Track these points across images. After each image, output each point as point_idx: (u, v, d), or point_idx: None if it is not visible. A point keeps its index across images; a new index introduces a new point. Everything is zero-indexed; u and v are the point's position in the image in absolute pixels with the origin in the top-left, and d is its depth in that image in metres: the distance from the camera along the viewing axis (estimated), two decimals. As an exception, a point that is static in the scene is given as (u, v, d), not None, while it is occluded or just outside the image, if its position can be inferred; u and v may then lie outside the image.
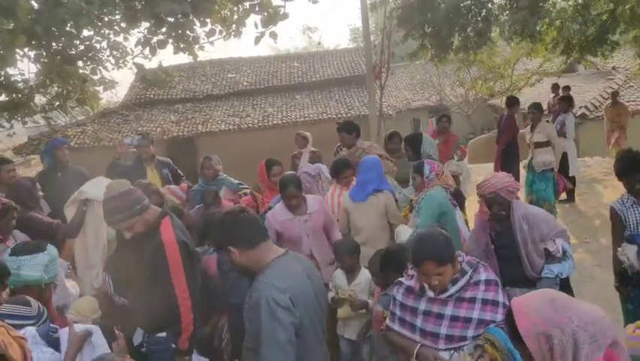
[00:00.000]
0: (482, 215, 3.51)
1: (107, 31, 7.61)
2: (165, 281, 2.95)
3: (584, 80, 18.49)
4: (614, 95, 12.08)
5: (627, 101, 15.48)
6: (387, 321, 2.73)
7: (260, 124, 16.11)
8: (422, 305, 2.57)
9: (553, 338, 1.55)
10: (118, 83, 9.04)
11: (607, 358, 1.56)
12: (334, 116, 15.63)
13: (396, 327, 2.67)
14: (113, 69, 8.14)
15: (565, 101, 9.03)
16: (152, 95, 17.64)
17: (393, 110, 18.06)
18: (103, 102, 17.66)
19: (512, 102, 8.69)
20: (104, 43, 7.84)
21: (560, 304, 1.62)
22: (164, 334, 3.07)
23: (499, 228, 3.42)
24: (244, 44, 70.11)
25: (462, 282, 2.49)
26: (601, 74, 18.27)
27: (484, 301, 2.50)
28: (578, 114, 13.34)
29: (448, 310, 2.50)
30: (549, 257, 3.31)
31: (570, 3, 10.25)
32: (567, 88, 11.49)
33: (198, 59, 8.42)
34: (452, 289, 2.48)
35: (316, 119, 16.20)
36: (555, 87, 12.96)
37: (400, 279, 2.75)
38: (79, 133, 15.41)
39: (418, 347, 2.52)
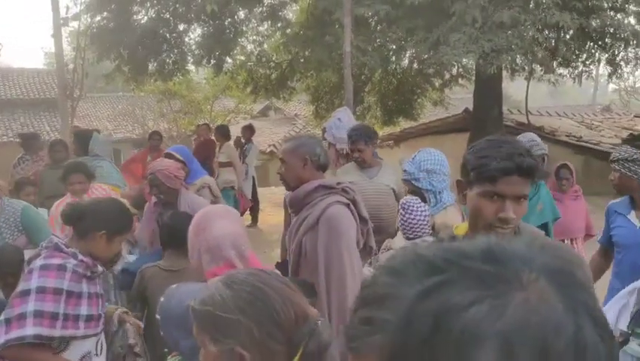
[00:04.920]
0: (151, 201, 3.64)
1: None
2: None
3: (274, 123, 21.51)
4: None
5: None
6: (31, 331, 2.07)
7: None
8: (85, 288, 2.25)
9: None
10: None
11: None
12: (18, 140, 13.86)
13: (58, 333, 2.14)
14: None
15: (248, 131, 9.96)
16: None
17: (90, 139, 17.02)
18: None
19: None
20: None
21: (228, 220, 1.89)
22: None
23: (165, 214, 3.57)
24: None
25: None
26: (287, 119, 21.23)
27: None
28: (268, 151, 15.22)
29: (100, 287, 2.37)
30: None
31: (255, 42, 11.56)
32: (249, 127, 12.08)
33: None
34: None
35: (-6, 142, 14.11)
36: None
37: (66, 262, 2.21)
38: None
39: None
